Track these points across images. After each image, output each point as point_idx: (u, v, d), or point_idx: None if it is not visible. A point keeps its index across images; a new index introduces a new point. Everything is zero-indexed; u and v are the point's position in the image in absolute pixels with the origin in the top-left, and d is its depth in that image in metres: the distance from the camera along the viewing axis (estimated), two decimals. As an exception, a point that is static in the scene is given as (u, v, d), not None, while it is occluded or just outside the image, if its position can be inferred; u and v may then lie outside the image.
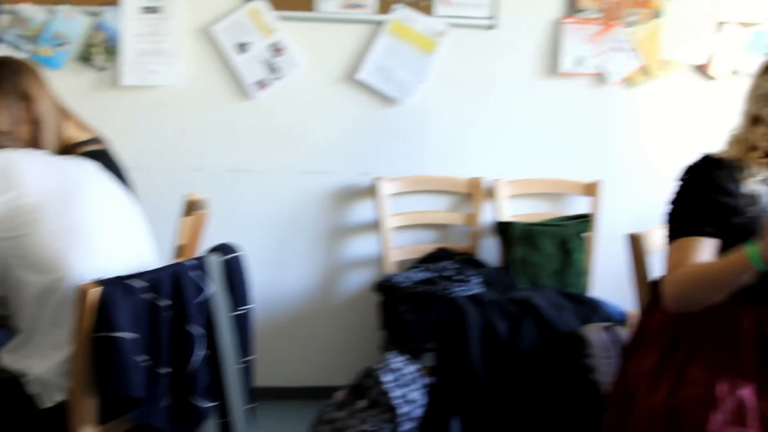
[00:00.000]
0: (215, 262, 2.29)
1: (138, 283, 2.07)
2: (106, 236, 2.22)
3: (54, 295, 2.10)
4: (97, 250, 2.16)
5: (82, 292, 1.98)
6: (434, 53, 3.56)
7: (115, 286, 2.02)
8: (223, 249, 2.34)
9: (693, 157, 2.21)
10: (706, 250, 2.08)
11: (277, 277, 3.60)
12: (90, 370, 2.03)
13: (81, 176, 2.28)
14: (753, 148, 2.13)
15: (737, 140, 2.18)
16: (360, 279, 3.66)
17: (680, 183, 2.20)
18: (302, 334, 3.67)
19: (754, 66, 3.62)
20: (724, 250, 2.07)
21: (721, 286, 2.00)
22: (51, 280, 2.10)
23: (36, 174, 2.16)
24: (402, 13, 3.53)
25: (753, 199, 2.10)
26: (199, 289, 2.22)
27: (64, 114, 2.87)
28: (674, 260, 2.12)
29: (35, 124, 2.39)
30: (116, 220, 2.30)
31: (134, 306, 2.05)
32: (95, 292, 1.98)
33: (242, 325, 2.33)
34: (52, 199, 2.14)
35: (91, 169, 2.36)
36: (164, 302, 2.13)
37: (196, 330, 2.19)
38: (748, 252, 1.89)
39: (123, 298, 2.02)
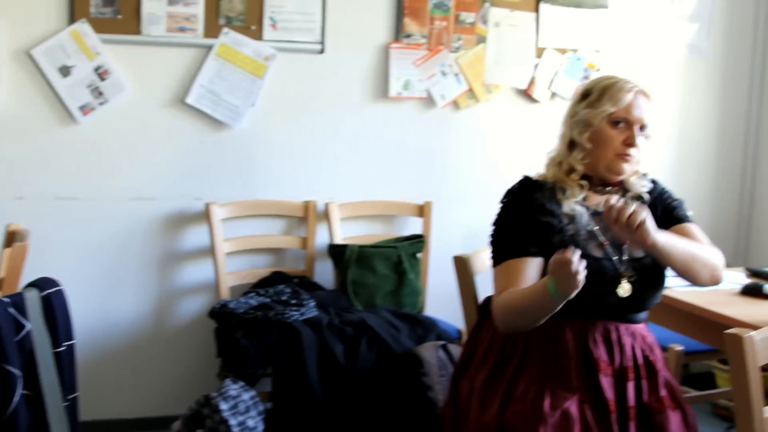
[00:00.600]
0: (34, 298, 2.19)
1: (-51, 324, 1.96)
2: None
3: None
4: None
5: None
6: (264, 77, 3.56)
7: None
8: (42, 284, 2.24)
9: (515, 179, 2.30)
10: (530, 270, 2.16)
11: (108, 306, 3.49)
12: None
13: None
14: (571, 170, 2.24)
15: (556, 163, 2.28)
16: (195, 306, 3.59)
17: (502, 205, 2.29)
18: (137, 364, 3.57)
19: (571, 90, 3.85)
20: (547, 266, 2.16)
21: (538, 314, 2.09)
22: None
23: None
24: (230, 37, 3.51)
25: (572, 218, 2.20)
26: (19, 327, 2.12)
27: None
28: (501, 283, 2.20)
29: None
30: None
31: (-55, 348, 1.94)
32: None
33: (65, 361, 2.23)
34: None
35: None
36: (-21, 342, 2.02)
37: (16, 370, 2.09)
38: (548, 283, 1.99)
39: (-68, 341, 1.91)
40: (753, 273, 3.01)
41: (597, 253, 2.18)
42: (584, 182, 2.24)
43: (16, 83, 3.33)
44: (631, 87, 2.23)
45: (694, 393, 3.19)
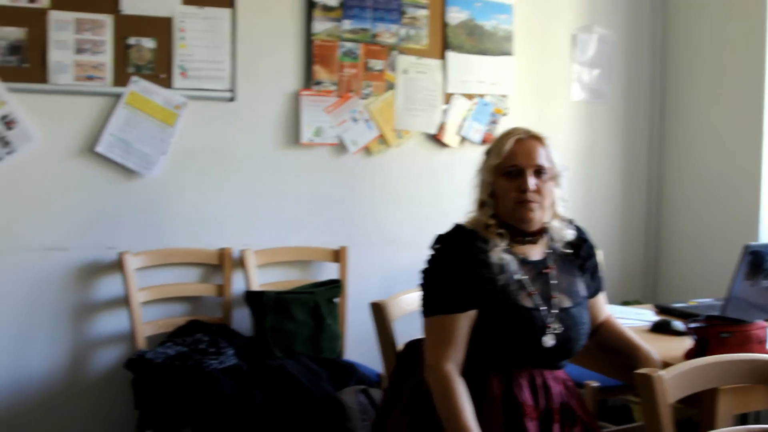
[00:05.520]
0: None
1: None
2: None
3: None
4: None
5: None
6: (175, 125, 3.54)
7: None
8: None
9: (443, 226, 2.33)
10: (463, 324, 2.20)
11: (19, 362, 3.36)
12: None
13: None
14: (487, 225, 2.28)
15: (474, 221, 2.32)
16: (111, 357, 3.51)
17: (434, 252, 2.29)
18: (52, 420, 3.44)
19: (480, 135, 3.96)
20: (479, 317, 2.20)
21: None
22: None
23: None
24: (139, 86, 3.49)
25: (502, 268, 2.24)
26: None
27: None
28: (434, 340, 2.22)
29: None
30: None
31: None
32: None
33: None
34: None
35: None
36: None
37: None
38: None
39: None
40: (662, 310, 3.12)
41: (527, 303, 2.23)
42: (503, 230, 2.28)
43: None
44: (513, 135, 2.28)
45: (611, 428, 3.27)
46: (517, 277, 2.24)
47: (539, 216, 2.28)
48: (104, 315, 3.50)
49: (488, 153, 2.34)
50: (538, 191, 2.25)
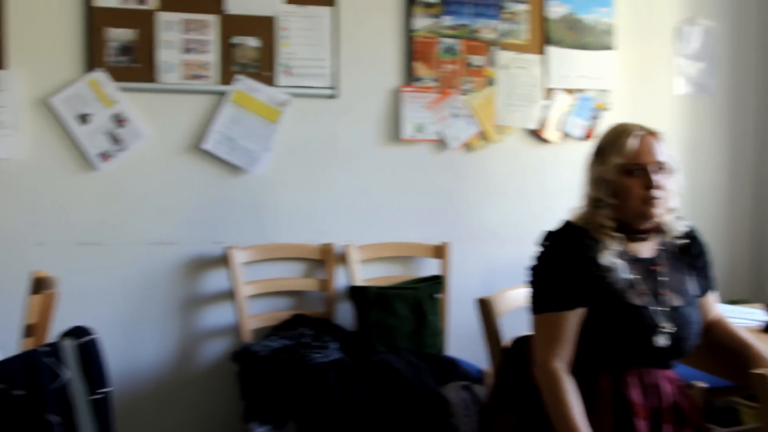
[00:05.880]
0: (70, 347, 2.21)
1: (-11, 374, 1.97)
2: None
3: None
4: None
5: (-70, 386, 1.87)
6: (278, 122, 3.60)
7: (-35, 378, 1.91)
8: (77, 332, 2.26)
9: (546, 222, 2.32)
10: (572, 322, 2.18)
11: (131, 351, 3.49)
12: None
13: None
14: (601, 226, 2.25)
15: (585, 219, 2.29)
16: (217, 349, 3.60)
17: (543, 249, 2.28)
18: (161, 408, 3.56)
19: (582, 130, 3.91)
20: (589, 316, 2.19)
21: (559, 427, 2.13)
22: None
23: None
24: (244, 84, 3.56)
25: (611, 270, 2.21)
26: (54, 376, 2.14)
27: None
28: (543, 337, 2.21)
29: None
30: None
31: (-13, 398, 1.95)
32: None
33: (101, 408, 2.24)
34: None
35: None
36: (18, 392, 2.03)
37: (54, 418, 2.10)
38: None
39: (-25, 391, 1.92)
40: (773, 309, 3.03)
41: (637, 301, 2.20)
42: (619, 234, 2.25)
43: (35, 131, 3.37)
44: (633, 133, 2.25)
45: (720, 431, 3.20)
46: (627, 275, 2.21)
47: (661, 212, 2.26)
48: (211, 308, 3.60)
49: (601, 150, 2.30)
50: (661, 188, 2.23)
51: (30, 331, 2.61)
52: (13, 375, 2.02)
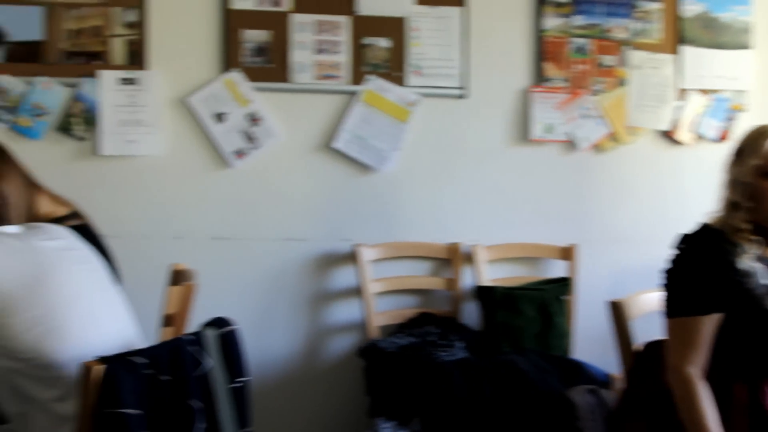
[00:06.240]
0: (212, 337, 2.29)
1: (139, 359, 2.06)
2: (82, 316, 2.18)
3: (32, 380, 2.09)
4: (73, 333, 2.14)
5: (86, 369, 1.97)
6: (408, 122, 3.64)
7: (117, 362, 2.01)
8: (218, 323, 2.34)
9: (678, 225, 2.27)
10: (708, 328, 2.14)
11: (260, 343, 3.58)
12: (93, 447, 2.01)
13: (53, 255, 2.22)
14: (738, 229, 2.20)
15: (722, 222, 2.23)
16: (344, 344, 3.67)
17: (679, 253, 2.23)
18: (288, 401, 3.64)
19: (717, 132, 3.80)
20: (726, 322, 2.13)
21: None
22: (27, 366, 2.08)
23: (5, 261, 2.11)
24: (375, 84, 3.61)
25: (750, 275, 2.16)
26: (197, 363, 2.22)
27: (36, 189, 2.85)
28: (677, 343, 2.17)
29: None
30: (92, 297, 2.26)
31: (136, 382, 2.04)
32: (99, 370, 1.97)
33: (240, 397, 2.32)
34: (22, 287, 2.10)
35: (63, 243, 2.31)
36: (164, 377, 2.12)
37: (196, 404, 2.18)
38: None
39: (126, 375, 2.01)
40: None
41: None
42: (758, 238, 2.19)
43: (174, 129, 3.50)
44: None
45: None
46: (766, 281, 2.15)
47: None
48: (338, 304, 3.66)
49: (740, 152, 2.24)
50: None
51: (169, 320, 2.72)
52: (160, 361, 2.11)
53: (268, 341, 3.60)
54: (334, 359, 3.66)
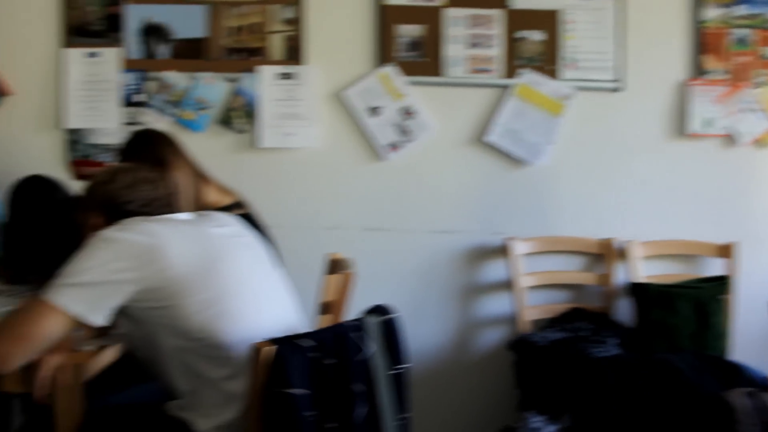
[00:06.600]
0: (374, 323, 2.34)
1: (306, 342, 2.13)
2: (250, 300, 2.27)
3: (203, 359, 2.18)
4: (242, 316, 2.22)
5: (257, 350, 2.05)
6: (562, 115, 3.60)
7: (286, 344, 2.08)
8: (379, 310, 2.39)
9: None
10: None
11: (412, 333, 3.59)
12: (261, 425, 2.09)
13: (222, 241, 2.32)
14: None
15: None
16: (494, 337, 3.68)
17: None
18: (437, 390, 3.69)
19: None
20: None
21: None
22: (199, 346, 2.17)
23: (179, 246, 2.19)
24: (528, 77, 3.60)
25: None
26: (359, 349, 2.27)
27: (203, 179, 2.99)
28: None
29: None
30: (259, 282, 2.35)
31: (303, 364, 2.11)
32: (269, 351, 2.05)
33: (399, 383, 2.37)
34: (195, 270, 2.19)
35: (232, 230, 2.41)
36: (329, 361, 2.18)
37: (358, 387, 2.24)
38: None
39: (294, 356, 2.08)
40: None
41: None
42: None
43: (330, 123, 3.60)
44: None
45: None
46: None
47: None
48: (489, 297, 3.68)
49: None
50: None
51: (326, 308, 2.79)
52: (325, 345, 2.17)
53: (418, 332, 3.65)
54: (484, 352, 3.68)
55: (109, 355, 2.42)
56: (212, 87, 3.59)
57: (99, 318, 2.12)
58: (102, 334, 2.33)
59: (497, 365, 3.63)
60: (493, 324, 3.68)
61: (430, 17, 3.58)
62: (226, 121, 3.59)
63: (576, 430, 3.12)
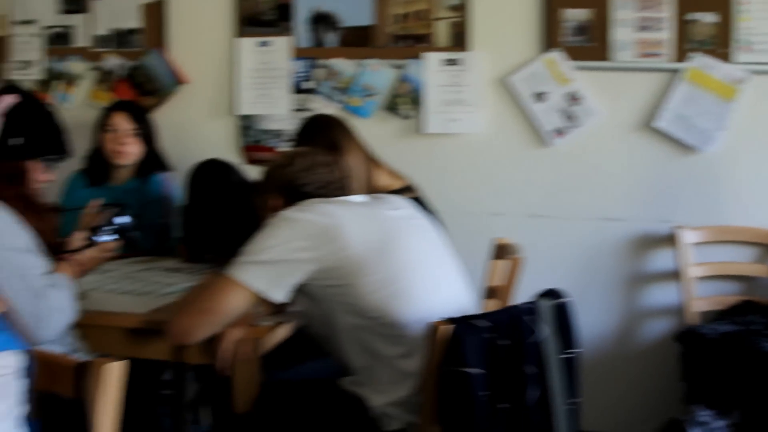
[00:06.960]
0: (546, 307, 2.35)
1: (482, 323, 2.16)
2: (424, 281, 2.32)
3: (378, 337, 2.24)
4: (416, 295, 2.27)
5: (433, 328, 2.09)
6: (735, 101, 3.48)
7: (463, 324, 2.12)
8: (552, 294, 2.40)
9: None
10: None
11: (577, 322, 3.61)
12: (436, 401, 2.13)
13: (397, 223, 2.38)
14: None
15: None
16: (659, 328, 3.60)
17: None
18: (599, 379, 3.63)
19: None
20: None
21: None
22: (375, 324, 2.23)
23: (356, 227, 2.26)
24: (700, 61, 3.49)
25: None
26: (531, 332, 2.29)
27: (375, 164, 3.07)
28: None
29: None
30: (432, 263, 2.40)
31: (479, 344, 2.14)
32: (446, 329, 2.09)
33: (571, 367, 2.37)
34: (371, 251, 2.25)
35: (405, 213, 2.46)
36: (503, 342, 2.20)
37: (531, 369, 2.25)
38: None
39: (470, 336, 2.11)
40: None
41: None
42: None
43: (495, 109, 3.61)
44: None
45: None
46: None
47: None
48: (654, 286, 3.60)
49: None
50: None
51: (492, 292, 2.82)
52: (499, 326, 2.20)
53: (582, 319, 3.56)
54: (648, 342, 3.61)
55: (284, 331, 2.53)
56: (379, 74, 3.66)
57: (279, 294, 2.21)
58: (279, 310, 2.43)
59: (662, 356, 3.55)
60: (658, 314, 3.60)
61: (597, 1, 3.53)
62: (392, 107, 3.66)
63: (746, 426, 3.04)
